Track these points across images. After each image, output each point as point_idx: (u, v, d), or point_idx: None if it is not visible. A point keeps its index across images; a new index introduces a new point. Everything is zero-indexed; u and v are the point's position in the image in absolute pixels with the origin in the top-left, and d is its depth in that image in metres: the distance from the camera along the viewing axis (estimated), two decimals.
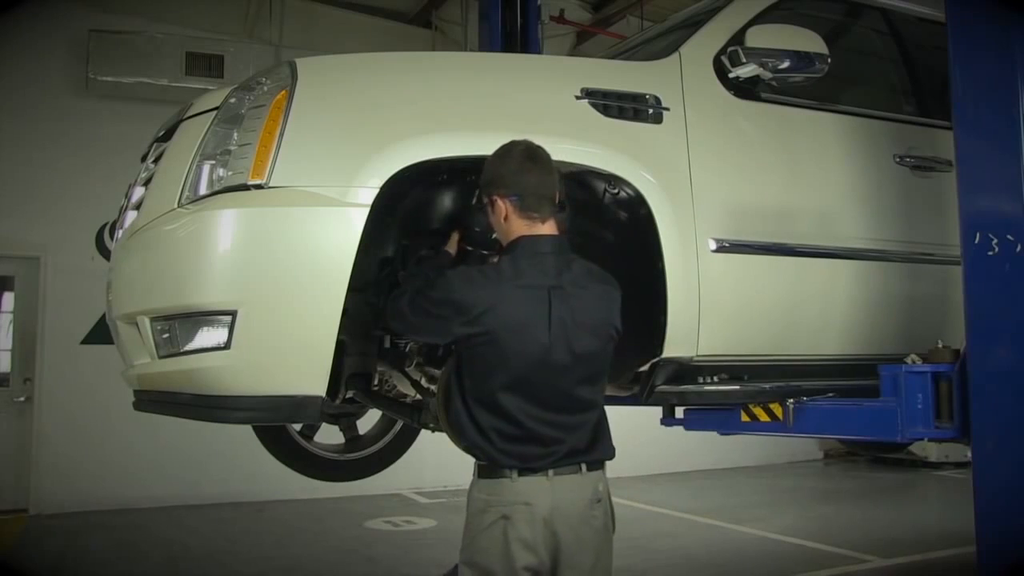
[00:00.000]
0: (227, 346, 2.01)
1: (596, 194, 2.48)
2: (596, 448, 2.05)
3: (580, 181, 2.45)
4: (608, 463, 2.11)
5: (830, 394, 2.66)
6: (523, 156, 2.04)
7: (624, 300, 2.13)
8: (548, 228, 2.06)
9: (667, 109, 2.51)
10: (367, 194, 2.08)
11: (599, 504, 2.03)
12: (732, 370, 2.61)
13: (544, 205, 2.04)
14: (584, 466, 2.01)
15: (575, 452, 2.01)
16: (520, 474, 1.95)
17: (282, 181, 2.05)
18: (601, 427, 2.08)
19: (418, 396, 2.70)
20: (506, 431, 1.96)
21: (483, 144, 2.15)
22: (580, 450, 2.02)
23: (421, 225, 2.48)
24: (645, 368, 2.50)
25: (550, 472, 1.96)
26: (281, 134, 2.06)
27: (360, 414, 3.37)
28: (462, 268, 2.20)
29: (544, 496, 1.95)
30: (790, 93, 2.73)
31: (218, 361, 2.04)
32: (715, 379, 2.59)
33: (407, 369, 2.57)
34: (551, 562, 1.96)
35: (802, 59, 2.57)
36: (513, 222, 2.05)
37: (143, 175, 2.53)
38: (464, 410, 2.01)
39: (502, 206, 2.05)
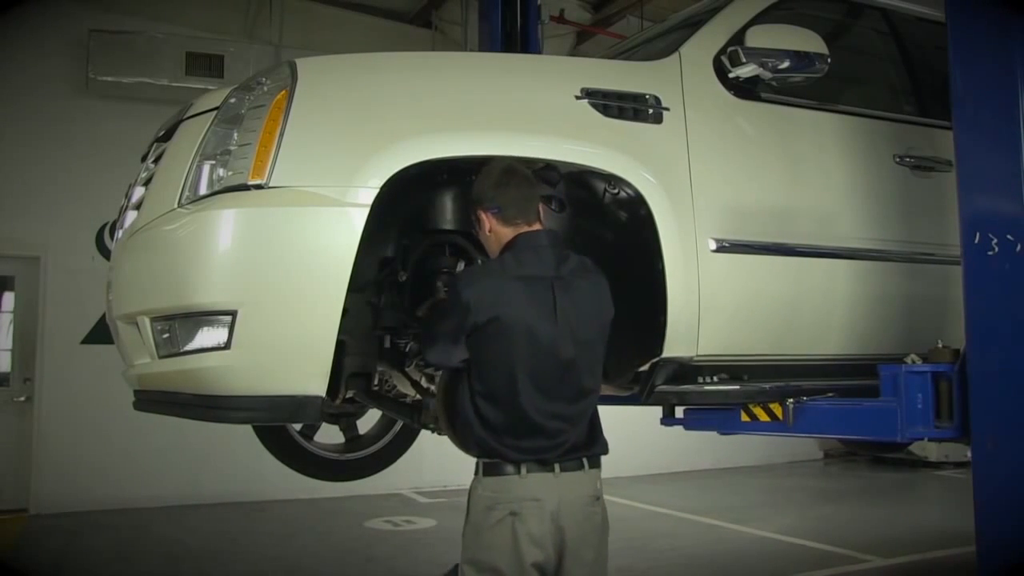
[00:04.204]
0: (227, 346, 2.02)
1: (596, 194, 2.48)
2: (594, 443, 2.12)
3: (580, 181, 2.46)
4: (608, 463, 2.15)
5: (830, 394, 2.66)
6: (500, 172, 2.12)
7: (624, 300, 2.15)
8: (537, 227, 2.14)
9: (667, 109, 2.51)
10: (367, 194, 2.08)
11: (598, 501, 2.09)
12: (732, 370, 2.62)
13: (528, 211, 2.12)
14: (586, 462, 2.07)
15: (577, 447, 2.06)
16: (529, 470, 1.99)
17: (282, 181, 2.05)
18: (596, 421, 2.16)
19: (418, 396, 2.69)
20: (514, 425, 2.00)
21: (483, 144, 2.17)
22: (581, 445, 2.08)
23: (421, 225, 2.48)
24: (645, 368, 2.50)
25: (557, 468, 2.01)
26: (281, 134, 2.06)
27: (360, 414, 3.37)
28: (465, 269, 2.28)
29: (552, 492, 1.99)
30: (790, 93, 2.73)
31: (218, 361, 2.04)
32: (715, 379, 2.59)
33: (407, 369, 2.57)
34: (556, 558, 2.00)
35: (802, 59, 2.57)
36: (499, 231, 2.13)
37: (143, 175, 2.53)
38: (472, 408, 2.04)
39: (486, 220, 2.14)
